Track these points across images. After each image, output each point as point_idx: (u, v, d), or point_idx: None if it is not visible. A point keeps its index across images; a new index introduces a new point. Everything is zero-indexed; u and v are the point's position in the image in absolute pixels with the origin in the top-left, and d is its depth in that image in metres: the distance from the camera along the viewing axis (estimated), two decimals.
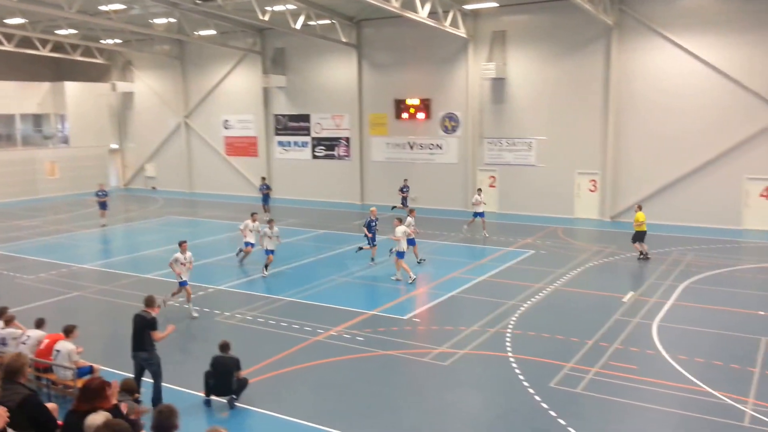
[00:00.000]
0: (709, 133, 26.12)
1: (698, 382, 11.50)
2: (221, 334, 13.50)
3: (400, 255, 18.77)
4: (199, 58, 39.60)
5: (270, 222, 19.92)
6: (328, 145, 35.92)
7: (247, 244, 20.64)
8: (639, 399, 10.91)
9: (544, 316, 15.47)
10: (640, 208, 21.23)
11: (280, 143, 37.62)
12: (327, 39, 32.01)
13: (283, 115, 37.24)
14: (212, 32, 33.58)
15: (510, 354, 13.01)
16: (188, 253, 16.32)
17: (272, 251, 19.62)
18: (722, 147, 25.92)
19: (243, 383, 11.07)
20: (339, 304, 16.64)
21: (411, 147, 33.23)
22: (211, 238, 26.15)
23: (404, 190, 30.02)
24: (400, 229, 19.01)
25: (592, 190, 28.84)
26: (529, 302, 16.46)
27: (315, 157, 36.50)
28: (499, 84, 30.25)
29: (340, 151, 35.53)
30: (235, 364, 11.00)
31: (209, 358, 11.13)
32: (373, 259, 21.04)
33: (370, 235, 21.23)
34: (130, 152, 44.63)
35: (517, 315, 15.46)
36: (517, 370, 12.16)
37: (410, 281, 18.51)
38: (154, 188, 43.00)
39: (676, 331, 14.25)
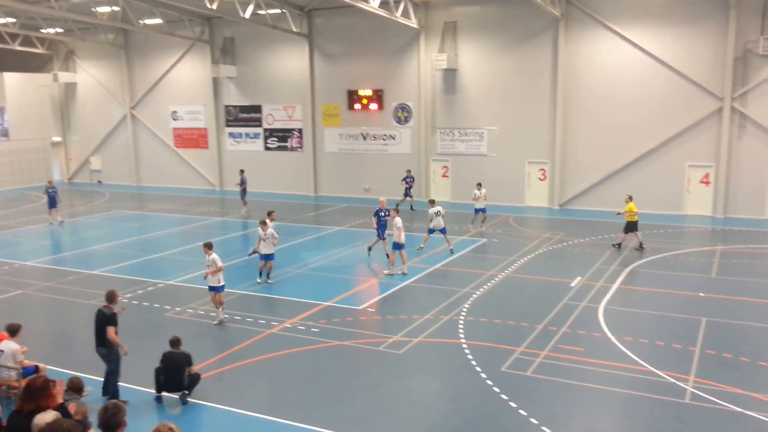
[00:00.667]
0: (652, 121, 26.95)
1: (642, 362, 11.94)
2: (172, 329, 13.34)
3: (397, 246, 18.42)
4: (144, 47, 38.64)
5: (262, 223, 17.73)
6: (280, 137, 35.62)
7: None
8: (586, 380, 11.27)
9: (496, 303, 15.79)
10: (630, 198, 21.16)
11: (231, 135, 37.12)
12: (277, 29, 31.66)
13: (234, 106, 36.72)
14: (158, 21, 32.79)
15: (463, 340, 13.23)
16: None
17: (270, 256, 17.64)
18: (665, 135, 26.80)
19: (195, 378, 10.96)
20: (293, 295, 16.62)
21: (364, 138, 33.24)
22: (160, 232, 25.68)
23: (407, 180, 29.35)
24: (399, 220, 18.61)
25: (541, 179, 29.42)
26: (481, 290, 16.76)
27: (267, 148, 36.16)
28: (450, 75, 30.51)
29: (292, 142, 35.29)
30: (187, 360, 10.87)
31: (160, 354, 10.97)
32: (388, 255, 19.38)
33: (375, 226, 20.30)
34: (74, 145, 43.27)
35: (469, 302, 15.72)
36: (470, 356, 12.40)
37: (387, 272, 18.40)
38: (99, 182, 41.85)
39: (621, 314, 14.74)
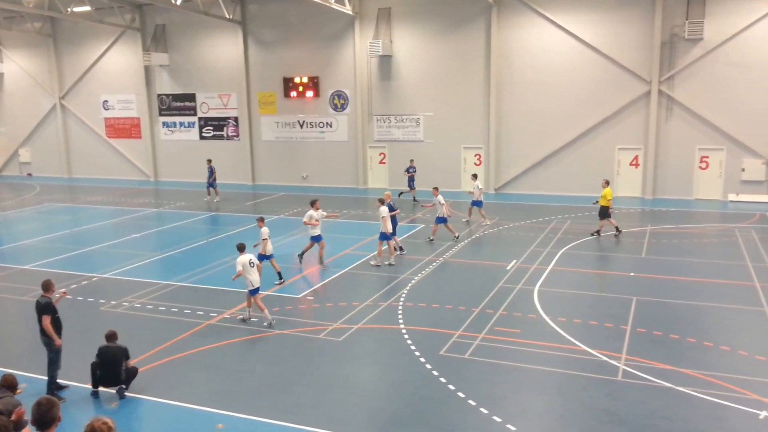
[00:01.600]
0: (583, 106, 27.69)
1: (576, 342, 12.30)
2: (108, 323, 12.90)
3: (383, 237, 17.92)
4: (73, 35, 37.05)
5: (260, 220, 16.78)
6: (216, 126, 34.88)
7: (315, 238, 18.07)
8: (522, 360, 11.53)
9: (434, 288, 15.95)
10: (607, 183, 21.20)
11: (165, 124, 36.10)
12: (210, 15, 30.87)
13: (167, 95, 35.70)
14: (87, 8, 31.48)
15: (402, 326, 13.32)
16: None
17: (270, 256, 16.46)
18: (596, 119, 27.58)
19: (132, 372, 10.70)
20: (232, 286, 16.30)
21: (301, 125, 32.92)
22: (93, 224, 24.79)
23: (410, 170, 28.35)
24: (385, 209, 17.87)
25: (477, 164, 29.82)
26: (419, 275, 16.89)
27: (202, 137, 35.35)
28: (386, 61, 30.49)
29: (228, 131, 34.60)
30: (123, 353, 10.61)
31: (96, 348, 10.64)
32: (402, 249, 19.17)
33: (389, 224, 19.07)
34: (2, 137, 41.22)
35: (408, 288, 15.83)
36: (409, 341, 12.49)
37: (387, 263, 17.89)
38: (29, 174, 40.12)
39: (555, 295, 15.13)
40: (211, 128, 35.00)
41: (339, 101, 31.89)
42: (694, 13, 25.65)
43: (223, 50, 33.66)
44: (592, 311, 13.99)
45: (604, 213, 20.66)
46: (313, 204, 18.15)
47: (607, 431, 9.14)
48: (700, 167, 26.84)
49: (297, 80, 32.25)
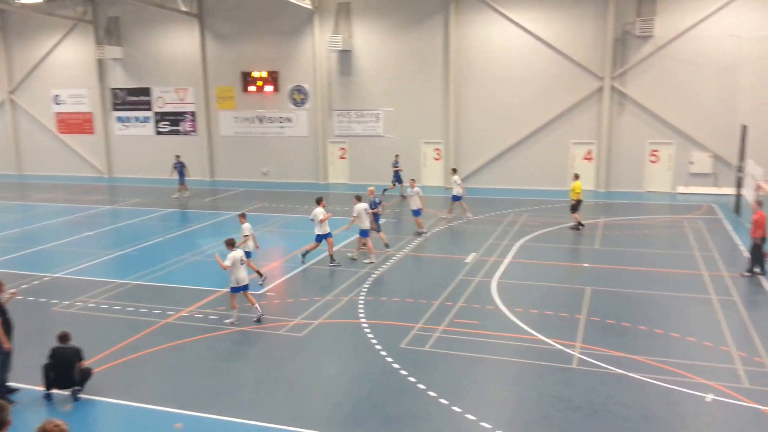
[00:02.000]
0: (539, 101, 28.17)
1: (533, 332, 12.57)
2: (61, 324, 12.62)
3: (363, 233, 17.81)
4: (23, 28, 35.90)
5: (241, 216, 16.38)
6: (172, 120, 34.33)
7: (321, 237, 17.41)
8: (481, 351, 11.75)
9: (395, 282, 16.08)
10: (577, 177, 21.45)
11: (120, 119, 35.36)
12: (165, 8, 30.32)
13: (121, 89, 34.96)
14: (37, 0, 30.52)
15: (363, 320, 13.40)
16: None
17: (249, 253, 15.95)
18: (551, 114, 28.10)
19: (86, 373, 10.49)
20: (190, 283, 16.18)
21: (260, 121, 32.65)
22: (45, 222, 24.16)
23: (396, 165, 28.14)
24: (360, 207, 17.66)
25: (436, 159, 30.09)
26: (380, 269, 16.99)
27: (159, 132, 34.75)
28: (345, 56, 30.45)
29: (185, 126, 34.09)
30: (77, 354, 10.39)
31: (48, 350, 10.41)
32: (387, 245, 18.91)
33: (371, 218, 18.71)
34: None
35: (369, 282, 15.92)
36: (370, 335, 12.58)
37: (351, 257, 17.84)
38: None
39: (513, 287, 15.42)
40: (168, 123, 34.43)
41: (299, 96, 31.73)
42: (646, 10, 26.32)
43: (179, 44, 33.12)
44: (548, 301, 14.30)
45: (574, 206, 20.91)
46: (319, 202, 17.53)
47: (562, 418, 9.40)
48: (651, 161, 27.60)
49: (256, 75, 31.96)
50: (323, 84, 31.02)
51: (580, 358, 11.38)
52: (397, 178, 27.78)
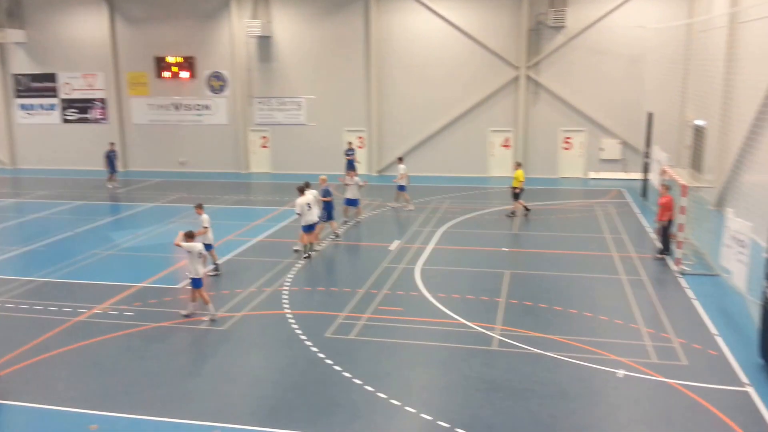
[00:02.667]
0: (459, 90, 28.62)
1: (455, 316, 12.84)
2: None
3: (307, 228, 16.80)
4: None
5: (198, 207, 15.86)
6: (80, 108, 32.66)
7: (307, 228, 16.81)
8: (405, 337, 11.89)
9: (319, 271, 16.02)
10: (519, 165, 21.53)
11: (23, 106, 33.31)
12: None
13: (24, 75, 32.93)
14: None
15: (287, 311, 13.28)
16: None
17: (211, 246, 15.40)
18: (470, 102, 28.61)
19: None
20: (103, 279, 15.53)
21: (177, 108, 31.58)
22: None
23: (349, 153, 27.40)
24: (302, 200, 16.57)
25: (360, 147, 30.05)
26: (304, 259, 16.86)
27: (66, 120, 33.01)
28: (265, 42, 29.87)
29: (95, 113, 32.54)
30: None
31: None
32: (337, 235, 18.72)
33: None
34: None
35: (293, 273, 15.77)
36: (295, 326, 12.49)
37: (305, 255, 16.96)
38: None
39: (436, 273, 15.67)
40: (76, 111, 32.74)
41: (217, 83, 30.88)
42: (558, 1, 27.16)
43: (87, 27, 31.48)
44: (469, 286, 14.63)
45: (516, 194, 21.10)
46: (302, 191, 16.87)
47: (484, 398, 9.66)
48: (564, 148, 28.63)
49: (170, 60, 30.83)
50: (242, 70, 30.33)
51: (500, 339, 11.71)
52: (350, 167, 27.27)
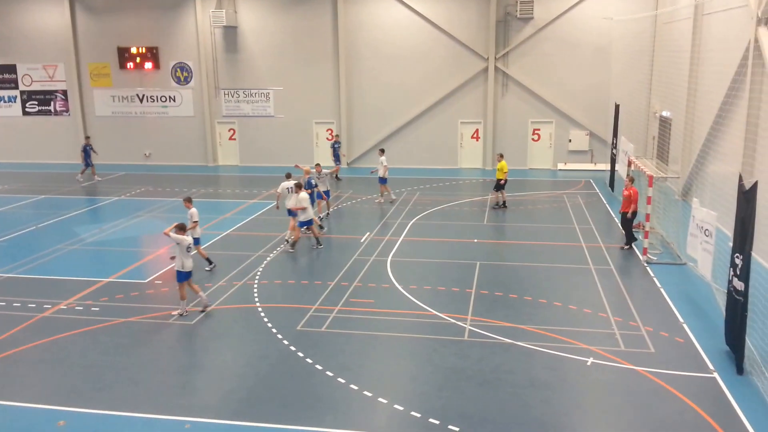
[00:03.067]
0: (428, 81, 28.61)
1: (427, 307, 12.84)
2: None
3: (303, 224, 16.69)
4: None
5: (187, 201, 15.33)
6: (41, 100, 31.83)
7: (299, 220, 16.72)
8: (377, 329, 11.85)
9: (290, 264, 15.87)
10: (501, 157, 21.28)
11: None
12: None
13: None
14: None
15: (258, 304, 13.14)
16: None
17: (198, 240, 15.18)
18: (440, 94, 28.62)
19: None
20: (68, 274, 15.17)
21: (141, 99, 30.97)
22: None
23: (336, 146, 27.03)
24: (305, 196, 16.54)
25: (329, 139, 29.88)
26: (274, 252, 16.71)
27: (26, 113, 32.14)
28: (231, 32, 29.43)
29: (56, 105, 31.74)
30: None
31: None
32: (321, 227, 18.51)
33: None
34: None
35: (263, 266, 15.61)
36: (266, 319, 12.36)
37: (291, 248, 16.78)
38: None
39: (407, 264, 15.65)
40: (36, 103, 31.90)
41: (182, 74, 30.35)
42: None
43: (47, 16, 30.62)
44: (440, 277, 14.65)
45: (499, 185, 20.99)
46: (289, 176, 17.41)
47: (455, 388, 9.68)
48: (533, 139, 28.85)
49: (134, 51, 30.19)
50: (208, 61, 29.86)
51: (471, 330, 11.75)
52: (338, 158, 27.21)
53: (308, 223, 16.89)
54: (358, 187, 24.87)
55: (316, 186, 18.66)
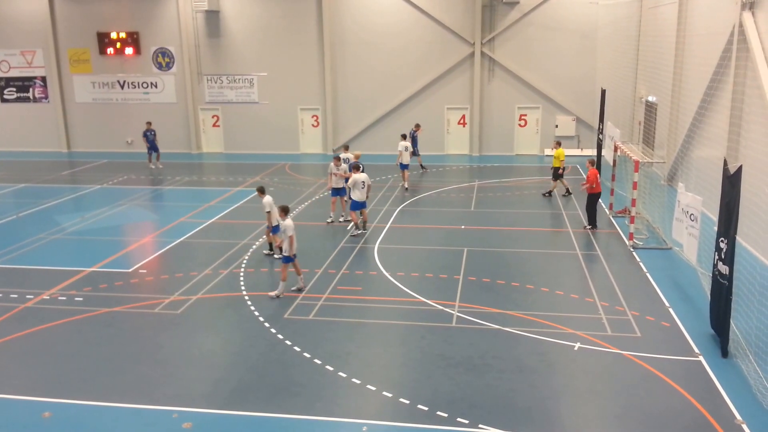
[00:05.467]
0: (415, 66, 28.42)
1: (414, 294, 12.81)
2: None
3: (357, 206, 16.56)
4: None
5: (260, 191, 15.33)
6: (20, 86, 31.26)
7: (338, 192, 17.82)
8: (365, 316, 11.82)
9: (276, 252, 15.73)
10: (559, 144, 21.04)
11: None
12: None
13: None
14: None
15: (244, 293, 13.04)
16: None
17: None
18: (426, 80, 28.47)
19: None
20: (50, 264, 14.96)
21: (122, 86, 30.52)
22: None
23: (413, 134, 25.38)
24: (361, 176, 16.75)
25: (314, 125, 29.68)
26: (260, 240, 16.58)
27: (5, 100, 31.57)
28: (213, 17, 29.02)
29: (35, 92, 31.19)
30: None
31: None
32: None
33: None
34: None
35: (249, 254, 15.50)
36: (252, 307, 12.28)
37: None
38: None
39: (394, 251, 15.61)
40: (14, 90, 31.33)
41: (164, 59, 29.91)
42: None
43: (25, 1, 30.01)
44: (428, 264, 14.62)
45: (557, 174, 20.66)
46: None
47: (443, 374, 9.67)
48: (520, 125, 28.82)
49: (114, 36, 29.69)
50: (190, 47, 29.43)
51: (459, 316, 11.75)
52: (415, 149, 25.38)
53: (362, 206, 17.02)
54: None
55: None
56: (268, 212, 14.81)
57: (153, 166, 26.51)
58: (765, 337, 10.00)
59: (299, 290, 13.01)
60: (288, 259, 12.73)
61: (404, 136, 22.88)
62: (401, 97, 28.78)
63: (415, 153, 24.55)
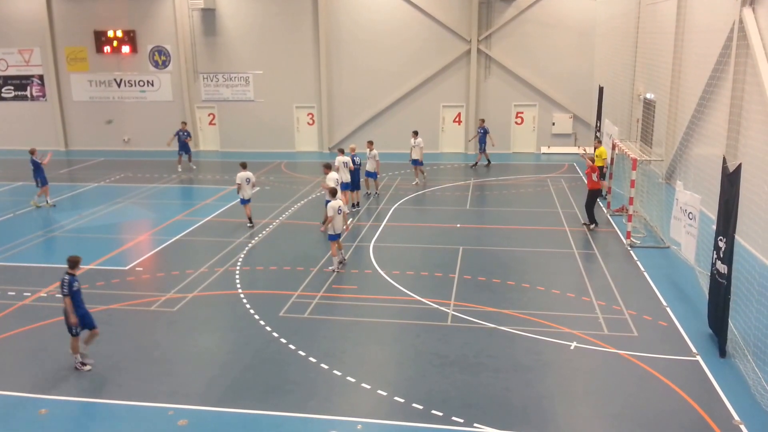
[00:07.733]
0: (410, 64, 28.36)
1: (409, 293, 12.78)
2: None
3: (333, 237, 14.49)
4: None
5: (326, 167, 16.89)
6: (17, 85, 31.16)
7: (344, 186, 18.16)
8: (359, 315, 11.79)
9: (272, 250, 15.71)
10: (600, 142, 20.84)
11: None
12: None
13: None
14: None
15: (240, 291, 13.01)
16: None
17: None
18: (422, 77, 28.41)
19: None
20: (47, 262, 14.94)
21: (119, 84, 30.43)
22: None
23: (480, 131, 25.45)
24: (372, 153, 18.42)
25: (310, 123, 29.62)
26: (256, 238, 16.54)
27: (2, 98, 31.48)
28: (209, 15, 28.94)
29: (32, 90, 31.09)
30: None
31: None
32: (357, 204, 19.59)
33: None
34: None
35: (245, 252, 15.46)
36: (248, 305, 12.24)
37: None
38: None
39: (389, 250, 15.57)
40: (12, 88, 31.23)
41: (160, 58, 29.82)
42: None
43: (21, 0, 29.91)
44: (423, 263, 14.58)
45: (602, 173, 19.73)
46: (339, 151, 18.97)
47: (439, 373, 9.65)
48: (516, 122, 28.77)
49: (110, 34, 29.59)
50: (186, 45, 29.35)
51: (454, 315, 11.72)
52: (482, 146, 25.63)
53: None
54: None
55: (360, 165, 19.63)
56: (239, 184, 16.98)
57: (180, 168, 25.62)
58: (764, 337, 9.96)
59: (341, 262, 14.18)
60: (333, 237, 13.91)
61: (416, 133, 22.88)
62: (397, 94, 28.72)
63: (482, 149, 25.57)
